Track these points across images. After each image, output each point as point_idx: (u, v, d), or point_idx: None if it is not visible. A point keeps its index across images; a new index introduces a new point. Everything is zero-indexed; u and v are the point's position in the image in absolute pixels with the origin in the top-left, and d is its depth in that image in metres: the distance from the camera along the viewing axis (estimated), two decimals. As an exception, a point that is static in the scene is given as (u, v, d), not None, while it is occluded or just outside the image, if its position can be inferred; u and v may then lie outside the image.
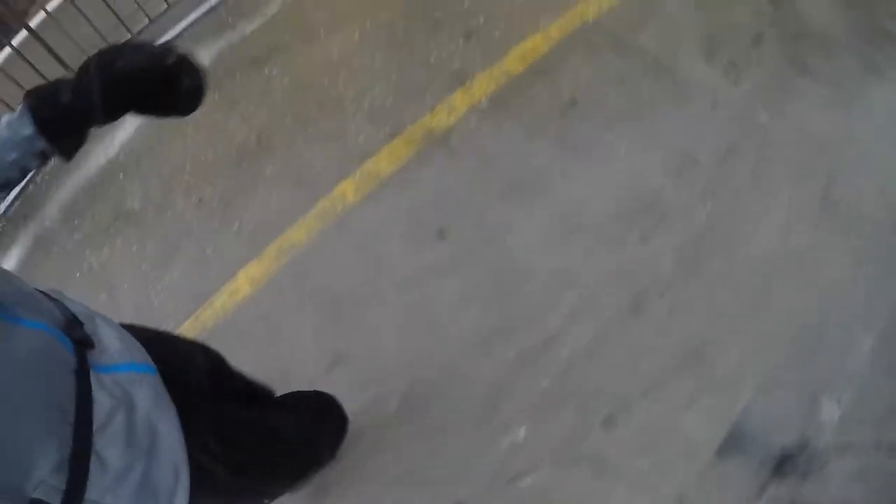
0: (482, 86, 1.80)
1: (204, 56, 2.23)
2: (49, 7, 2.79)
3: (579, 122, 1.76)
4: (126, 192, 2.06)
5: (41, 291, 0.68)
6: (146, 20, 2.56)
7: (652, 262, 1.51)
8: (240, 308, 1.63)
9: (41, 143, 0.64)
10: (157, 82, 0.65)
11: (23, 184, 2.26)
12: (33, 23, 2.74)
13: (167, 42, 0.61)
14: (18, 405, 0.50)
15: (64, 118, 0.64)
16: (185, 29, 2.45)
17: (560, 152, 1.68)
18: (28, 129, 0.63)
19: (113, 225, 2.00)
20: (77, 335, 0.62)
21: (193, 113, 0.71)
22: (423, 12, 2.11)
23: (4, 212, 2.28)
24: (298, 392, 1.23)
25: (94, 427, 0.56)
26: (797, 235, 1.55)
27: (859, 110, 1.75)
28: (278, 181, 1.76)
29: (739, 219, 1.58)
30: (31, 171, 0.69)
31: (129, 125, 2.30)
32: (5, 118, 0.65)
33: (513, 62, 1.89)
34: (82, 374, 0.58)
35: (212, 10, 2.43)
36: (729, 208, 1.59)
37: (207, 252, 1.78)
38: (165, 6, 2.56)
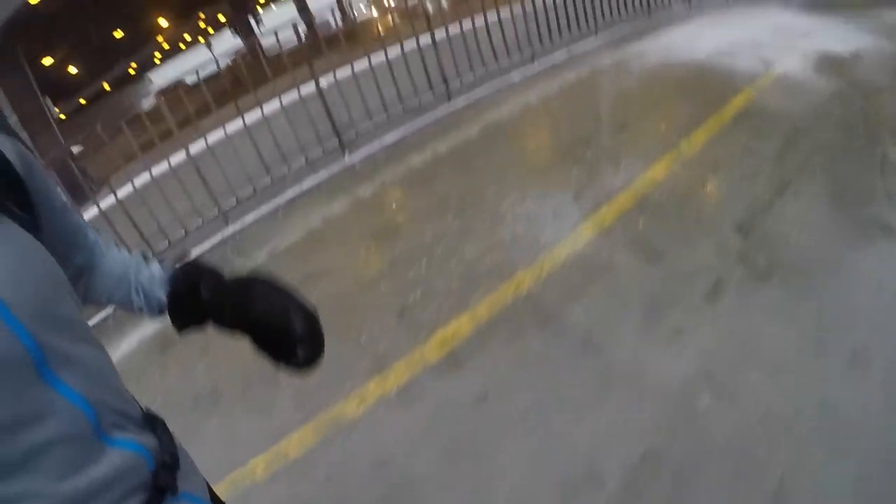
0: (397, 375, 2.05)
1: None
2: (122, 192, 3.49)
3: (482, 422, 1.77)
4: (112, 406, 2.45)
5: (152, 415, 0.71)
6: (166, 242, 3.14)
7: None
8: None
9: (164, 307, 0.75)
10: (279, 340, 0.70)
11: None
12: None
13: (309, 305, 0.72)
14: None
15: (192, 308, 0.73)
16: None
17: (450, 462, 1.69)
18: (161, 293, 0.74)
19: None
20: (164, 482, 0.61)
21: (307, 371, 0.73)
22: (375, 281, 2.45)
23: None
24: None
25: None
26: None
27: (836, 361, 1.56)
28: (212, 440, 2.05)
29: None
30: (150, 315, 0.78)
31: (134, 339, 2.77)
32: (157, 269, 0.76)
33: (433, 348, 2.13)
34: (153, 499, 0.60)
35: (221, 243, 2.97)
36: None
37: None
38: (184, 233, 3.14)
